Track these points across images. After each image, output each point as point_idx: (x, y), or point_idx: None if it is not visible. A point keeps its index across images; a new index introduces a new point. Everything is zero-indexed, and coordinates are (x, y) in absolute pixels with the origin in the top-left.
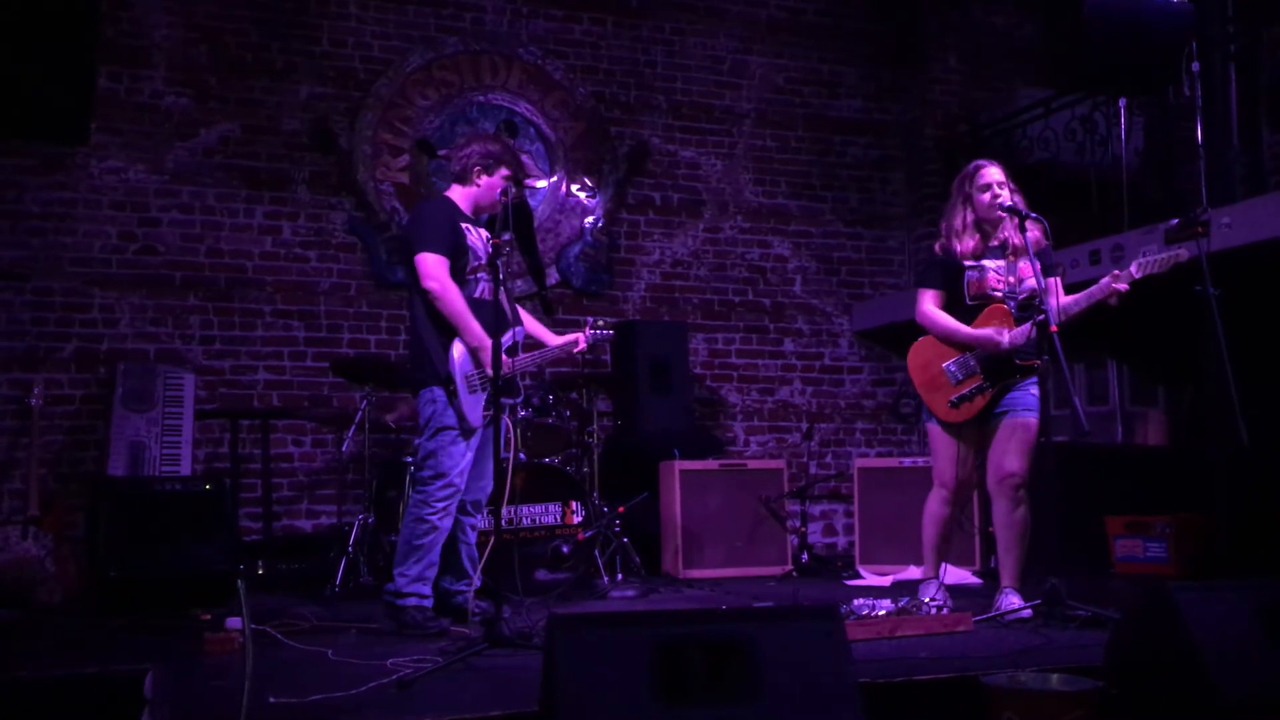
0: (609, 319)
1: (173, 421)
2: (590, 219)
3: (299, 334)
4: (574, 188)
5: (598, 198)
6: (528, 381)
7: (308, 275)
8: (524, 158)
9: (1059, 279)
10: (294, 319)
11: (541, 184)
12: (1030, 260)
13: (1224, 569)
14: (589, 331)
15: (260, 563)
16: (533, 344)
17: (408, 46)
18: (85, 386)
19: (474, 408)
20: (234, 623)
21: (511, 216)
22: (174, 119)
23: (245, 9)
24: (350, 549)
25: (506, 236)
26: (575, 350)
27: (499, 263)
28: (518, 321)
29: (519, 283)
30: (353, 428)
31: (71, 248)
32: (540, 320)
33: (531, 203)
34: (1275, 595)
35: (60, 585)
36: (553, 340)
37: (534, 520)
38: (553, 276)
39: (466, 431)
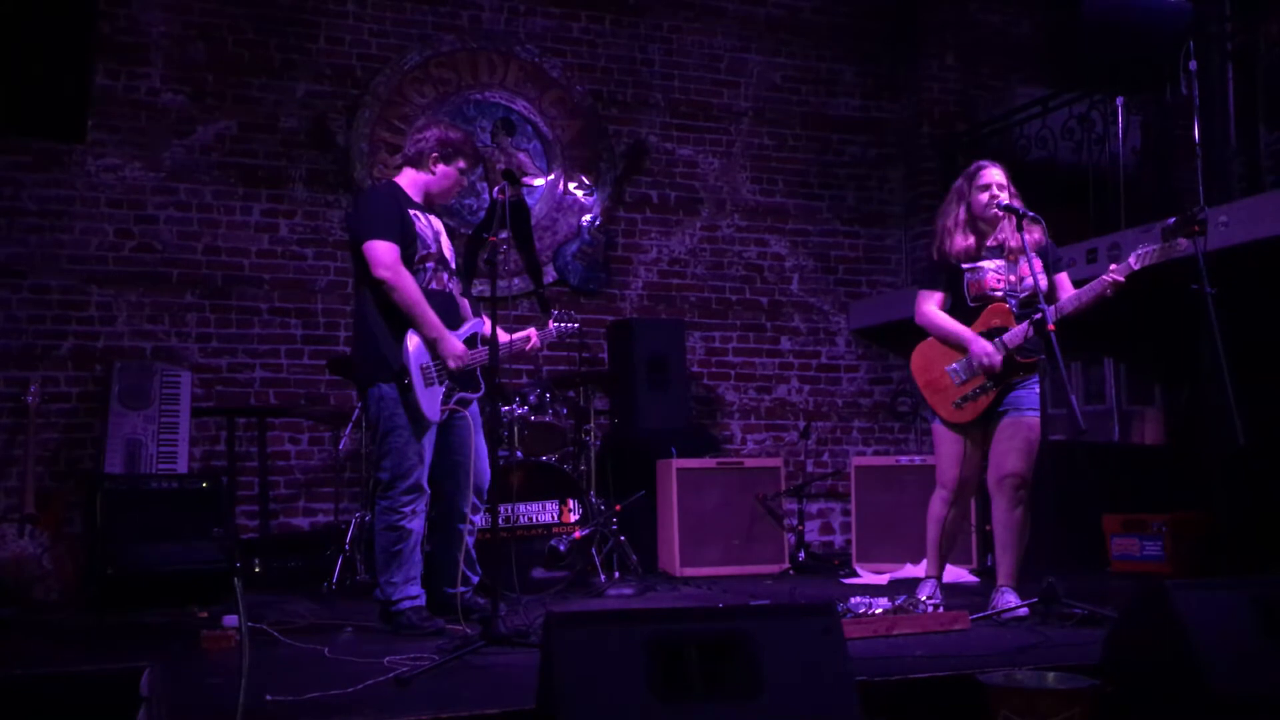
0: (573, 311)
1: (169, 419)
2: (587, 217)
3: (296, 332)
4: (571, 186)
5: (595, 196)
6: (523, 379)
7: (305, 273)
8: (521, 156)
9: (1065, 275)
10: (291, 317)
11: (539, 182)
12: (1029, 259)
13: (1221, 567)
14: (552, 325)
15: (257, 560)
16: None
17: (405, 44)
18: (82, 384)
19: (431, 401)
20: (231, 620)
21: (508, 214)
22: (171, 116)
23: (242, 6)
24: (347, 547)
25: (504, 234)
26: (528, 347)
27: (446, 253)
28: (477, 314)
29: (516, 281)
30: (349, 425)
31: (68, 245)
32: (537, 318)
33: (529, 201)
34: (1271, 593)
35: (57, 582)
36: (504, 336)
37: (531, 518)
38: (550, 275)
39: (421, 428)
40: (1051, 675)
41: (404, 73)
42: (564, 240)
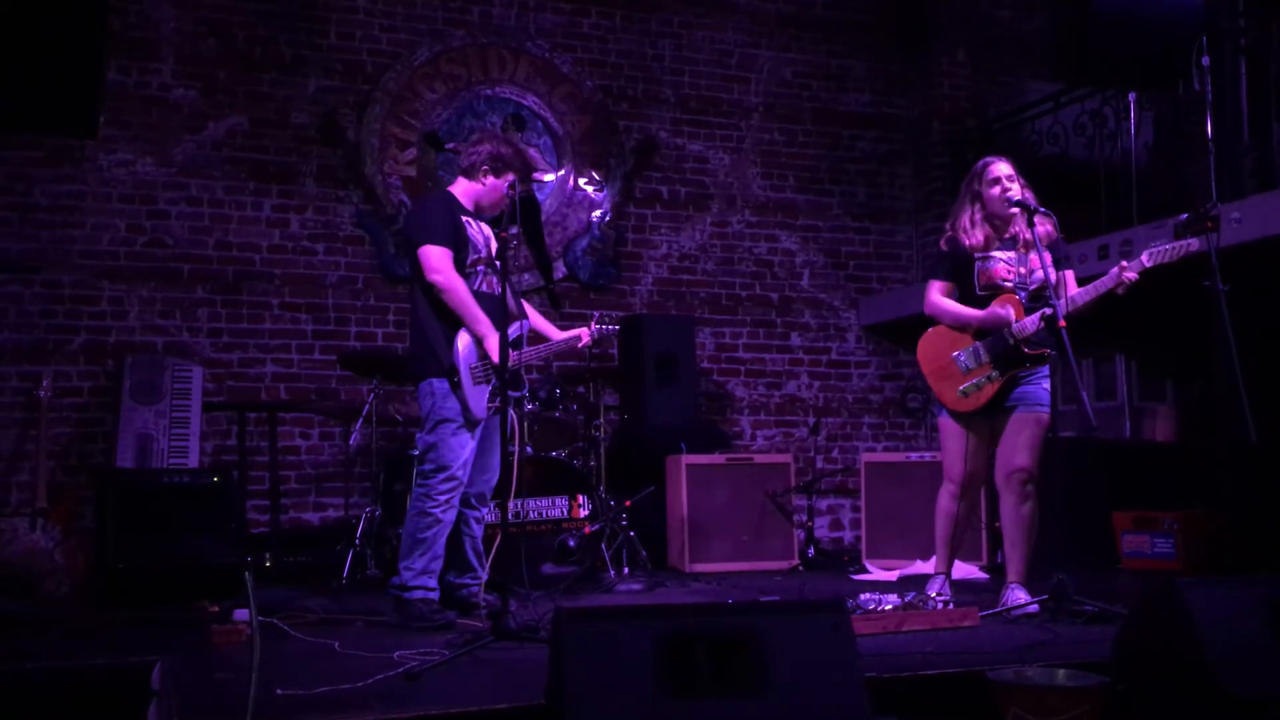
0: (615, 313)
1: (180, 414)
2: (597, 213)
3: (307, 327)
4: (581, 181)
5: (605, 191)
6: (533, 375)
7: (315, 268)
8: (531, 152)
9: (1071, 272)
10: (302, 312)
11: (549, 178)
12: (1040, 253)
13: (1231, 565)
14: (594, 326)
15: (267, 555)
16: (537, 338)
17: (415, 40)
18: (94, 379)
19: (478, 399)
20: (241, 615)
21: (519, 210)
22: (182, 112)
23: (253, 2)
24: (357, 542)
25: (514, 230)
26: (580, 345)
27: (506, 256)
28: (522, 315)
29: (526, 276)
30: (360, 420)
31: (80, 240)
32: (547, 314)
33: (539, 196)
34: None
35: (68, 577)
36: (556, 335)
37: (541, 514)
38: (560, 270)
39: (470, 423)
40: (1061, 672)
41: (414, 68)
42: (574, 236)
